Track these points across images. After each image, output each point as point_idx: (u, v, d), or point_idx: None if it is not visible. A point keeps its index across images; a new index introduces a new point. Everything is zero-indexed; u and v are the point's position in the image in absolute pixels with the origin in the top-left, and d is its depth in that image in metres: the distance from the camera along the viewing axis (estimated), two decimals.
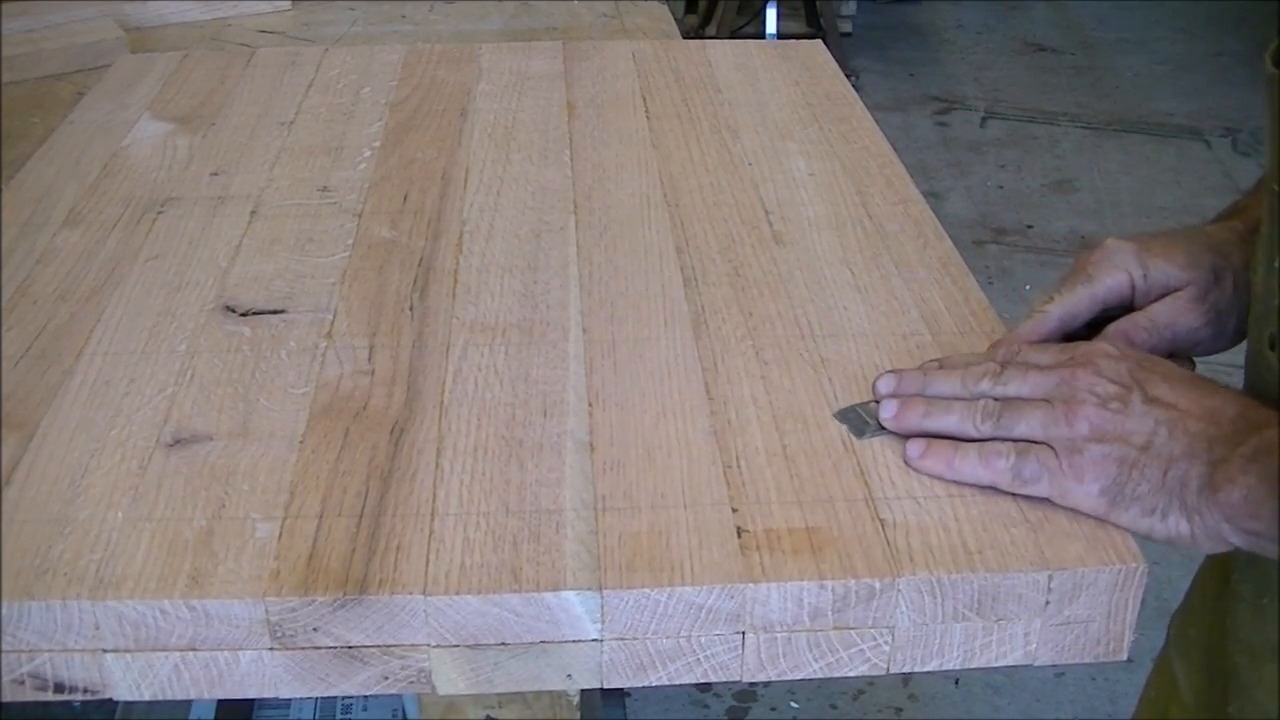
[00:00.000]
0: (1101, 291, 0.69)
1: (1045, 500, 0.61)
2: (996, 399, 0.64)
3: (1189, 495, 0.58)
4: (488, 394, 0.69)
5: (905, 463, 0.63)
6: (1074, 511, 0.60)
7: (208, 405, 0.68)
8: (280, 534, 0.59)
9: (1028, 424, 0.62)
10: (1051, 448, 0.61)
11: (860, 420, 0.67)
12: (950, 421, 0.64)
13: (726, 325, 0.75)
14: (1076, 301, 0.70)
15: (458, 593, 0.56)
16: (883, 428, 0.66)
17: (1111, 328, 0.69)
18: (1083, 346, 0.65)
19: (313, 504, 0.61)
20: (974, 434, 0.63)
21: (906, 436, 0.65)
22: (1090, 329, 0.70)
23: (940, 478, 0.62)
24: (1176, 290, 0.69)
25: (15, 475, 0.63)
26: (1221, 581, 0.72)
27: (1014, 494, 0.61)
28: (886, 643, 0.58)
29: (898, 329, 0.75)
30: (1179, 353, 0.69)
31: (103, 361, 0.72)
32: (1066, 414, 0.61)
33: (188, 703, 1.25)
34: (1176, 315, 0.68)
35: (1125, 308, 0.70)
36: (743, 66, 1.13)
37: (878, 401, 0.67)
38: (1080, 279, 0.70)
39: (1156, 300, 0.69)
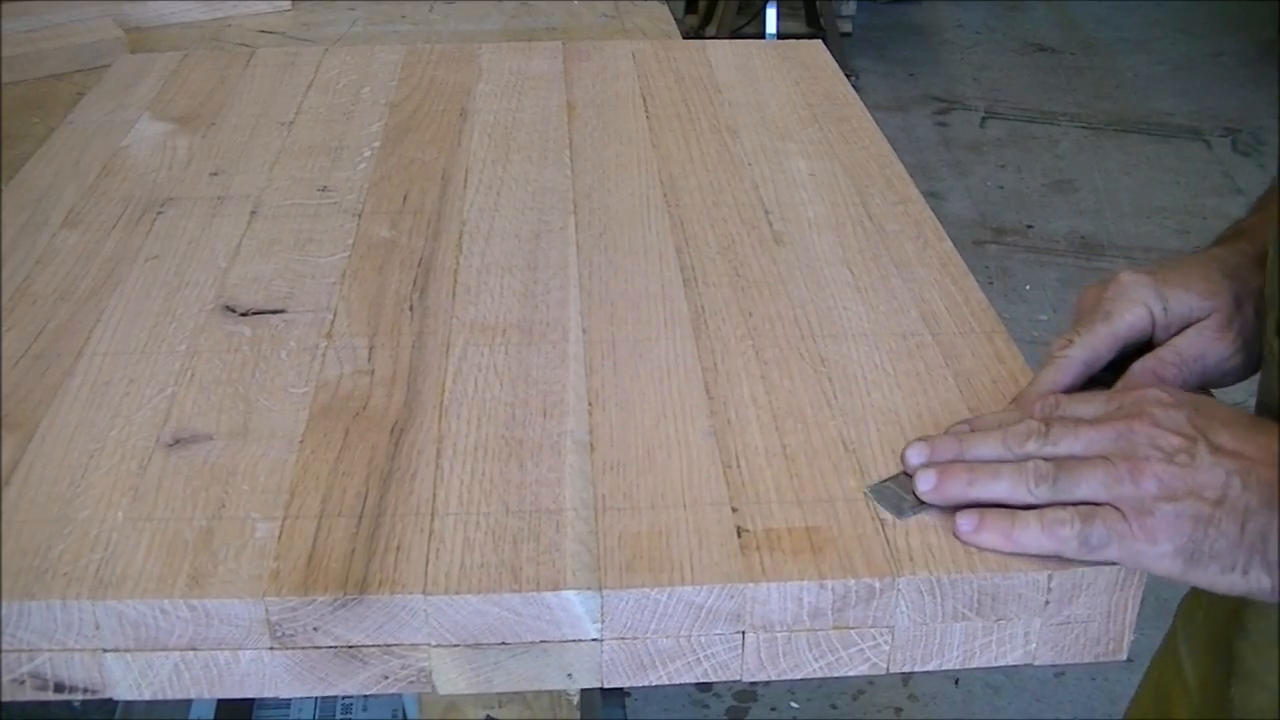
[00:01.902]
0: (1122, 329, 0.66)
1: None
2: (1047, 459, 0.59)
3: (1270, 549, 0.55)
4: (488, 394, 0.69)
5: (957, 537, 0.58)
6: None
7: (208, 405, 0.68)
8: (280, 534, 0.59)
9: (1089, 485, 0.57)
10: (1118, 509, 0.56)
11: (896, 497, 0.61)
12: (1000, 488, 0.58)
13: (726, 325, 0.75)
14: (1098, 342, 0.66)
15: (458, 592, 0.56)
16: (923, 503, 0.60)
17: (1137, 367, 0.65)
18: (1130, 395, 0.60)
19: (313, 504, 0.61)
20: (1028, 499, 0.58)
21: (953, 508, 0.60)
22: (1110, 369, 0.67)
23: (998, 551, 0.58)
24: (1199, 320, 0.66)
25: (15, 475, 0.63)
26: None
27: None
28: (886, 642, 0.58)
29: (898, 329, 0.75)
30: (1209, 385, 0.67)
31: (102, 361, 0.72)
32: (1131, 472, 0.57)
33: (188, 703, 1.25)
34: (1204, 347, 0.65)
35: (1145, 344, 0.67)
36: (743, 66, 1.13)
37: (909, 475, 0.62)
38: (1098, 317, 0.66)
39: (1178, 333, 0.66)
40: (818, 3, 3.71)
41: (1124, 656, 0.60)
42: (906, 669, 0.59)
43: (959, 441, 0.62)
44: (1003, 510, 0.58)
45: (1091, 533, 0.56)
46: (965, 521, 0.58)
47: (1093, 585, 0.58)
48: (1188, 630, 0.79)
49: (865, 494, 0.61)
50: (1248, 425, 0.58)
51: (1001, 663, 0.59)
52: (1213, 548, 0.56)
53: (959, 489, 0.59)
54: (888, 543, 0.58)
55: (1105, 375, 0.67)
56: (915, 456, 0.62)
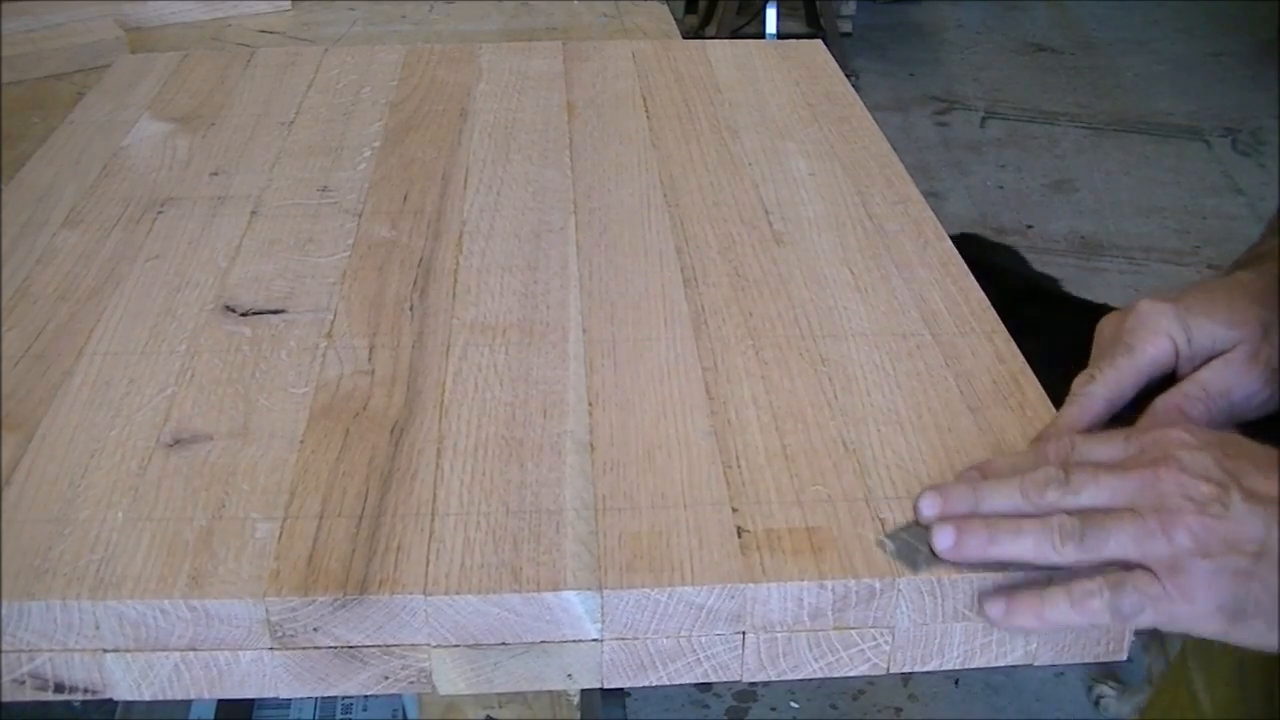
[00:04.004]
0: (1145, 363, 0.62)
1: None
2: (1070, 511, 0.55)
3: None
4: (488, 394, 0.69)
5: (987, 618, 0.56)
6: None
7: (208, 405, 0.68)
8: (280, 534, 0.59)
9: (1118, 542, 0.53)
10: (1150, 570, 0.53)
11: (911, 549, 0.58)
12: (1024, 547, 0.55)
13: (726, 325, 0.75)
14: (1121, 378, 0.62)
15: (458, 593, 0.56)
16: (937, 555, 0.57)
17: (1160, 403, 0.61)
18: (1151, 435, 0.56)
19: (313, 504, 0.61)
20: (1054, 559, 0.54)
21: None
22: (1131, 405, 0.64)
23: (1026, 630, 0.56)
24: (1224, 352, 0.62)
25: (15, 475, 0.63)
26: None
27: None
28: (887, 643, 0.58)
29: (898, 329, 0.75)
30: (1238, 420, 0.63)
31: (103, 361, 0.72)
32: (1162, 526, 0.52)
33: (188, 703, 1.25)
34: (1231, 380, 0.62)
35: (1168, 377, 0.63)
36: (743, 66, 1.13)
37: (920, 525, 0.58)
38: (1120, 351, 0.63)
39: (1203, 364, 0.62)
40: (818, 3, 3.71)
41: (1124, 656, 0.60)
42: (907, 669, 0.59)
43: (973, 491, 0.57)
44: (1030, 590, 0.55)
45: (1123, 602, 0.53)
46: (994, 608, 0.55)
47: None
48: (1204, 659, 0.76)
49: (879, 543, 0.58)
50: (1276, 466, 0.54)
51: (1001, 663, 0.59)
52: (1257, 603, 0.52)
53: (978, 548, 0.56)
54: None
55: (1126, 411, 0.63)
56: (928, 508, 0.58)
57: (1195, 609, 0.52)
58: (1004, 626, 0.55)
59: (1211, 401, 0.61)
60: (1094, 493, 0.54)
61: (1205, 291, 0.64)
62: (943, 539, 0.56)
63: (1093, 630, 0.59)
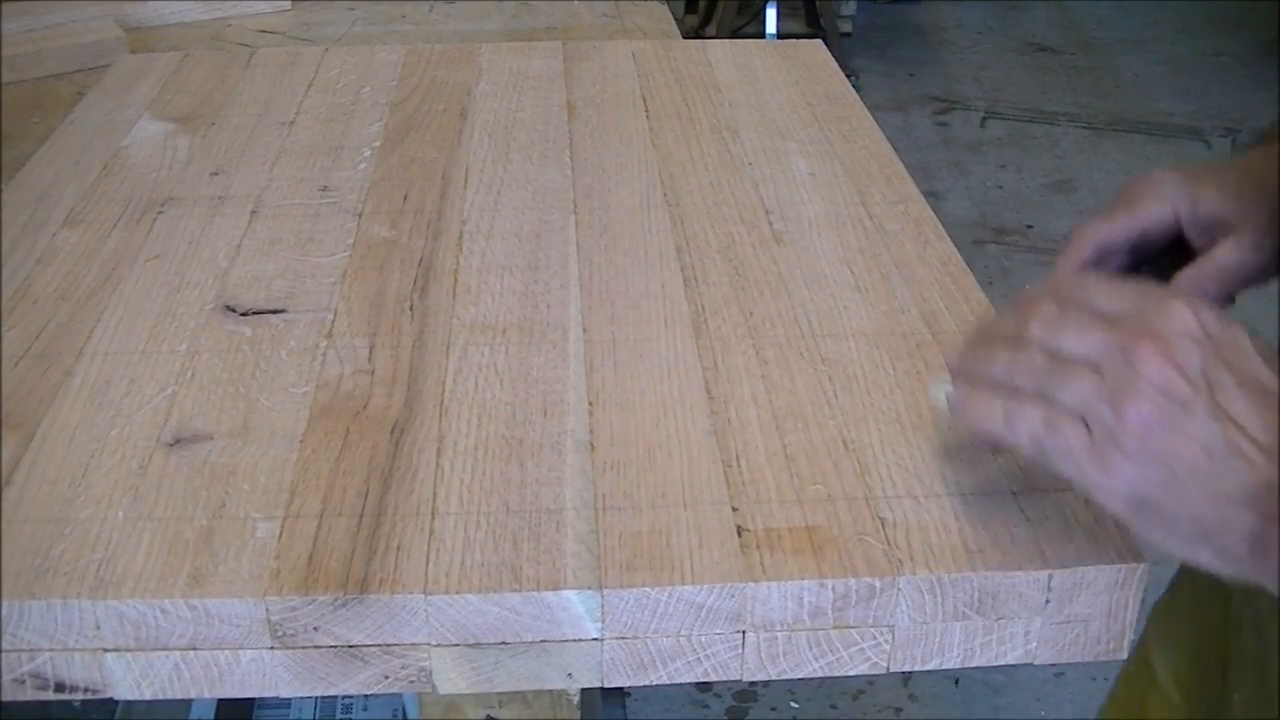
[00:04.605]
0: (1143, 219, 0.65)
1: (1045, 499, 0.61)
2: (1048, 350, 0.54)
3: (1230, 540, 0.50)
4: (488, 394, 0.69)
5: (948, 402, 0.58)
6: (1073, 511, 0.60)
7: (208, 405, 0.68)
8: (280, 533, 0.59)
9: (1072, 393, 0.53)
10: (1089, 430, 0.52)
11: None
12: (995, 371, 0.56)
13: (726, 325, 0.75)
14: (1115, 227, 0.65)
15: (458, 592, 0.56)
16: None
17: (1183, 277, 0.63)
18: (1160, 301, 0.54)
19: (313, 503, 0.61)
20: (1015, 384, 0.55)
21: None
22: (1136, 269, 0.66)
23: (970, 429, 0.57)
24: (1230, 225, 0.63)
25: (15, 475, 0.63)
26: None
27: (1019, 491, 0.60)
28: (887, 642, 0.58)
29: (898, 328, 0.75)
30: (1247, 287, 0.65)
31: (103, 361, 0.72)
32: (1117, 399, 0.51)
33: (188, 702, 1.25)
34: (1242, 255, 0.63)
35: (1170, 244, 0.65)
36: (743, 66, 1.13)
37: None
38: (1119, 206, 0.65)
39: (1205, 235, 0.64)
40: (818, 3, 3.71)
41: (1124, 656, 0.60)
42: (907, 668, 0.59)
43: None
44: (988, 393, 0.56)
45: (1048, 442, 0.53)
46: (958, 394, 0.57)
47: (1093, 584, 0.58)
48: (1162, 632, 0.78)
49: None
50: (1263, 395, 0.51)
51: (1001, 662, 0.59)
52: (1169, 516, 0.51)
53: (965, 355, 0.58)
54: (888, 542, 0.59)
55: (1122, 269, 0.66)
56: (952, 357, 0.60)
57: (1108, 483, 0.52)
58: (957, 415, 0.57)
59: (1224, 279, 0.63)
60: (1075, 341, 0.54)
61: (1217, 167, 0.66)
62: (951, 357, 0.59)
63: (1092, 629, 0.59)
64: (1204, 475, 0.50)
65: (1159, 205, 0.65)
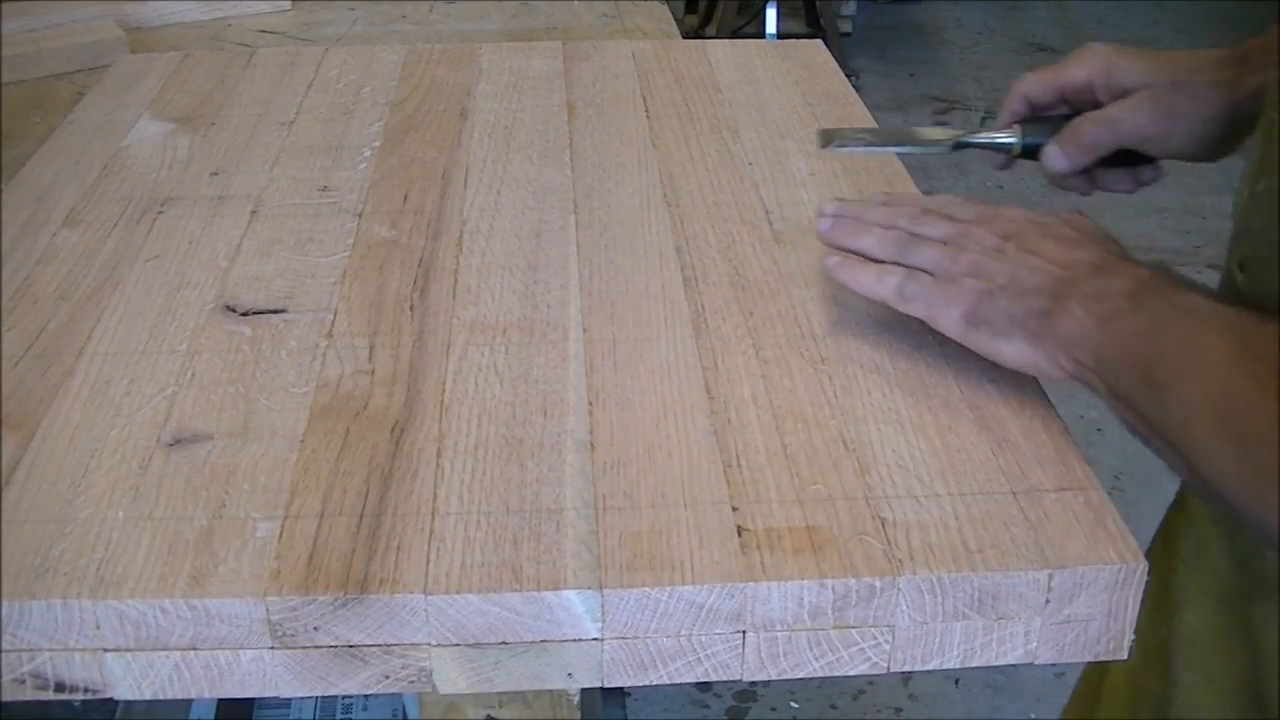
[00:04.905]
0: (1061, 79, 0.82)
1: (1045, 499, 0.61)
2: (911, 234, 0.72)
3: (1031, 322, 0.65)
4: (488, 393, 0.69)
5: (827, 269, 0.73)
6: (1074, 511, 0.60)
7: (208, 405, 0.68)
8: (281, 533, 0.59)
9: (923, 256, 0.70)
10: (934, 277, 0.69)
11: (832, 138, 0.88)
12: (866, 243, 0.73)
13: (726, 325, 0.75)
14: (1042, 82, 0.82)
15: (458, 592, 0.56)
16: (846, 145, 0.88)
17: (1075, 121, 0.81)
18: (998, 210, 0.72)
19: (313, 503, 0.61)
20: (880, 256, 0.72)
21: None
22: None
23: (845, 286, 0.72)
24: (1133, 93, 0.79)
25: (15, 475, 0.63)
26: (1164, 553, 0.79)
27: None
28: (887, 642, 0.58)
29: (898, 329, 0.75)
30: (1134, 147, 0.81)
31: (103, 361, 0.72)
32: (953, 253, 0.69)
33: (188, 702, 1.25)
34: (1124, 112, 0.79)
35: (1093, 103, 0.81)
36: (743, 66, 1.13)
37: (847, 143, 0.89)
38: (1051, 67, 0.82)
39: (1115, 99, 0.80)
40: (818, 3, 3.71)
41: (1124, 656, 0.60)
42: (907, 668, 0.59)
43: (863, 209, 0.75)
44: (858, 259, 0.72)
45: (906, 286, 0.69)
46: (832, 259, 0.73)
47: (1093, 584, 0.58)
48: None
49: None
50: (1067, 241, 0.68)
51: (1001, 662, 0.59)
52: (987, 316, 0.67)
53: (841, 235, 0.74)
54: (888, 542, 0.59)
55: (1059, 110, 0.83)
56: (829, 207, 0.76)
57: (948, 311, 0.68)
58: (831, 275, 0.73)
59: (1101, 125, 0.80)
60: (929, 228, 0.72)
61: (1150, 51, 0.81)
62: (822, 224, 0.75)
63: (1092, 629, 0.59)
64: (1014, 284, 0.66)
65: (1079, 67, 0.81)
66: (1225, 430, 0.55)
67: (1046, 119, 0.84)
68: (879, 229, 0.73)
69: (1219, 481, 0.56)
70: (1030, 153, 0.84)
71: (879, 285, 0.70)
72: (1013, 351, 0.66)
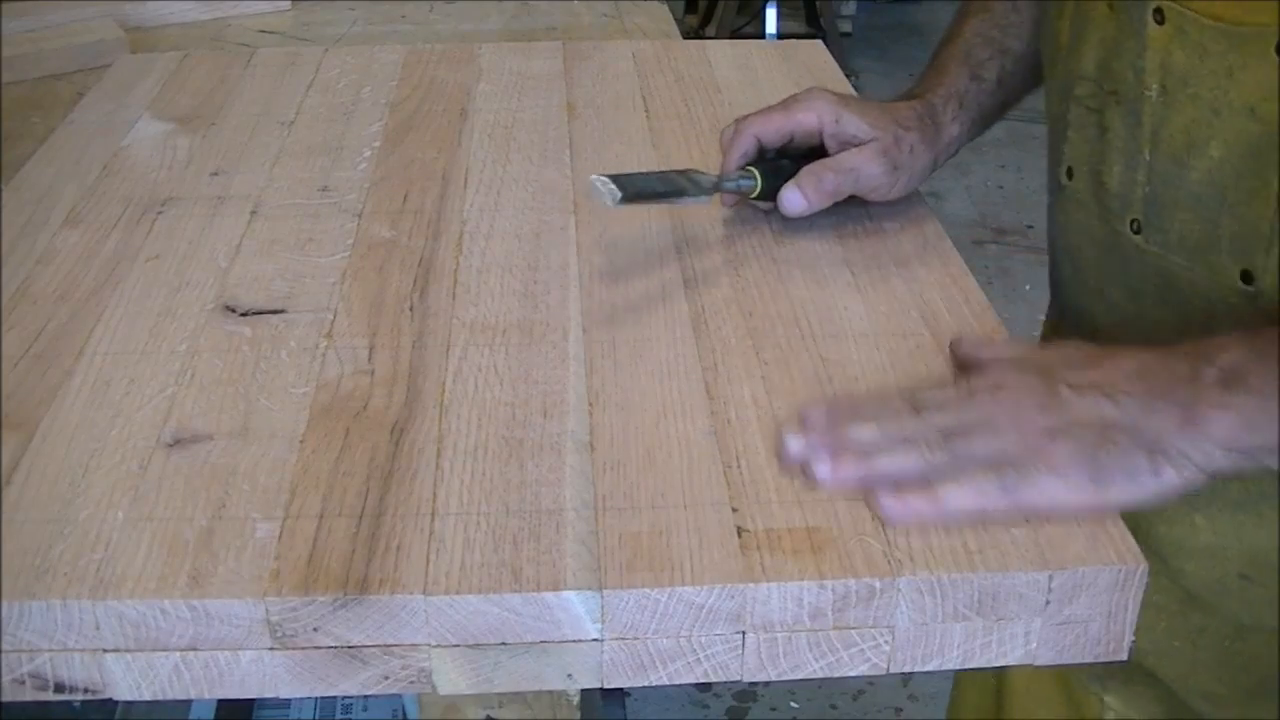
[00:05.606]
0: (791, 124, 0.82)
1: None
2: (938, 435, 0.60)
3: (1168, 441, 0.58)
4: (488, 394, 0.69)
5: (883, 518, 0.59)
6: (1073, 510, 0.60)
7: (208, 405, 0.68)
8: (280, 534, 0.59)
9: (984, 443, 0.59)
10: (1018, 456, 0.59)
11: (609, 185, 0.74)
12: (899, 461, 0.60)
13: (726, 325, 0.75)
14: (769, 123, 0.82)
15: (458, 592, 0.56)
16: (705, 195, 0.80)
17: (809, 168, 0.81)
18: (978, 369, 0.65)
19: (313, 504, 0.61)
20: (931, 463, 0.60)
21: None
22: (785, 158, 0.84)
23: (925, 521, 0.58)
24: (863, 144, 0.81)
25: (15, 475, 0.63)
26: None
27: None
28: (887, 642, 0.58)
29: (898, 329, 0.75)
30: (859, 194, 0.83)
31: (103, 361, 0.72)
32: (1016, 425, 0.59)
33: (188, 703, 1.25)
34: (861, 163, 0.81)
35: (814, 149, 0.83)
36: (743, 66, 1.13)
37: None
38: (779, 109, 0.83)
39: (841, 148, 0.82)
40: (818, 3, 3.71)
41: (1124, 656, 0.60)
42: (907, 669, 0.59)
43: (834, 427, 0.62)
44: (919, 486, 0.59)
45: (1005, 479, 0.58)
46: (888, 500, 0.59)
47: (1093, 585, 0.58)
48: None
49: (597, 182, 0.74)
50: (1087, 358, 0.63)
51: (1001, 663, 0.59)
52: (1115, 463, 0.58)
53: (855, 469, 0.60)
54: (888, 543, 0.58)
55: (772, 155, 0.84)
56: (794, 444, 0.63)
57: (1069, 480, 0.58)
58: (900, 520, 0.58)
59: (844, 173, 0.81)
60: (944, 418, 0.61)
61: (864, 101, 0.84)
62: (820, 469, 0.61)
63: (1092, 630, 0.59)
64: (1109, 419, 0.59)
65: (808, 114, 0.82)
66: None
67: (774, 161, 0.84)
68: (900, 444, 0.61)
69: None
70: (766, 195, 0.82)
71: (976, 494, 0.58)
72: (1162, 484, 0.59)
